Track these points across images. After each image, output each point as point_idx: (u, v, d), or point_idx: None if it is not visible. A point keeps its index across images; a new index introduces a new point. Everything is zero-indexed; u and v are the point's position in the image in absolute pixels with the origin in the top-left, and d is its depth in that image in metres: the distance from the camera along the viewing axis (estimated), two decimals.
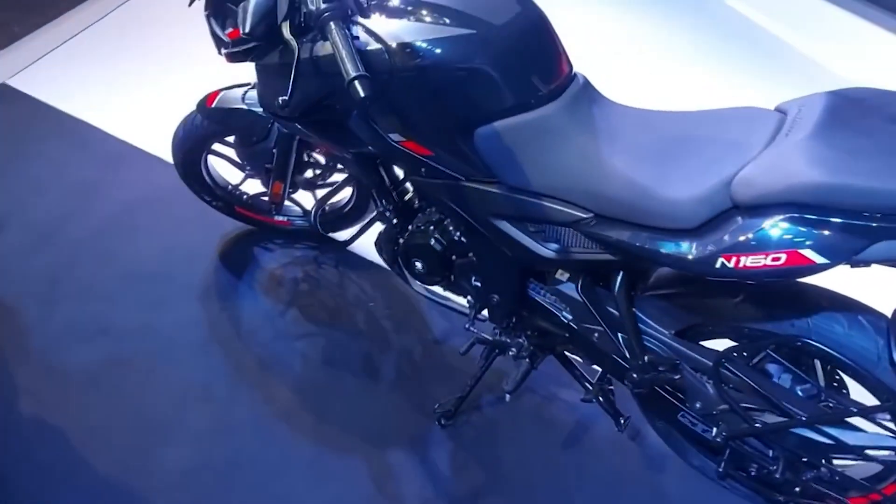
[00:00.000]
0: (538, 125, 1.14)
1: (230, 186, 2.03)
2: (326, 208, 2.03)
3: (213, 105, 1.68)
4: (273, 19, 1.15)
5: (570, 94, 1.16)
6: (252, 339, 1.87)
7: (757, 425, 1.19)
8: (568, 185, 1.15)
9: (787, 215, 0.92)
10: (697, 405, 1.26)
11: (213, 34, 1.37)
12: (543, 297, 1.38)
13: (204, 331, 1.89)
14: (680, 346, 1.24)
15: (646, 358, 1.24)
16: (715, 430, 1.24)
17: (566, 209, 1.17)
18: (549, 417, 1.70)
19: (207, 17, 1.36)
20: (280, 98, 1.13)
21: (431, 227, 1.44)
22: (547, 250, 1.24)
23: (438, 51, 1.11)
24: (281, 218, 2.11)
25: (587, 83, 1.20)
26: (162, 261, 2.07)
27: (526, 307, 1.42)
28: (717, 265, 0.98)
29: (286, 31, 1.16)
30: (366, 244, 1.97)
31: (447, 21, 1.12)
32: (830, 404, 1.16)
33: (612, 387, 1.49)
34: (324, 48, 1.17)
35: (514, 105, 1.14)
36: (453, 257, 1.45)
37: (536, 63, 1.14)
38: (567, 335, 1.38)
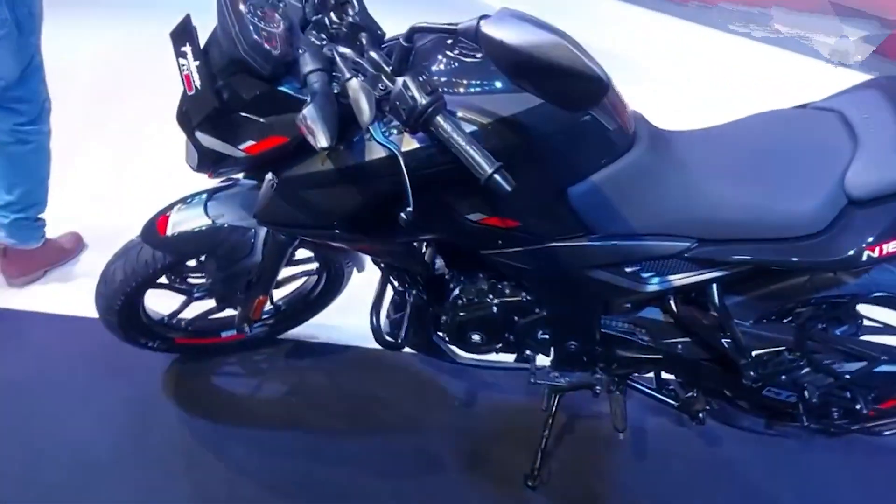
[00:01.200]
0: (630, 170, 1.13)
1: (166, 318, 1.70)
2: (282, 305, 1.81)
3: (168, 233, 1.37)
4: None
5: (643, 133, 1.17)
6: (282, 479, 1.60)
7: (844, 375, 1.35)
8: (669, 219, 1.17)
9: None
10: (784, 378, 1.38)
11: (204, 154, 1.13)
12: (618, 327, 1.39)
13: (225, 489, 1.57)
14: (764, 332, 1.34)
15: (752, 353, 1.32)
16: (806, 392, 1.37)
17: (668, 242, 1.19)
18: (622, 445, 1.71)
19: (195, 135, 1.11)
20: (405, 211, 0.97)
21: (490, 296, 1.36)
22: (648, 286, 1.25)
23: (534, 120, 1.04)
24: (228, 333, 1.82)
25: (643, 119, 1.23)
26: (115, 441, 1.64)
27: (600, 343, 1.42)
28: (864, 258, 1.08)
29: (378, 135, 0.99)
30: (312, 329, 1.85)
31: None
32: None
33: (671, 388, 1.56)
34: (408, 143, 1.04)
35: (606, 157, 1.12)
36: (516, 318, 1.39)
37: (615, 111, 1.13)
38: (648, 357, 1.41)
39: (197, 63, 1.05)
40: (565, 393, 1.53)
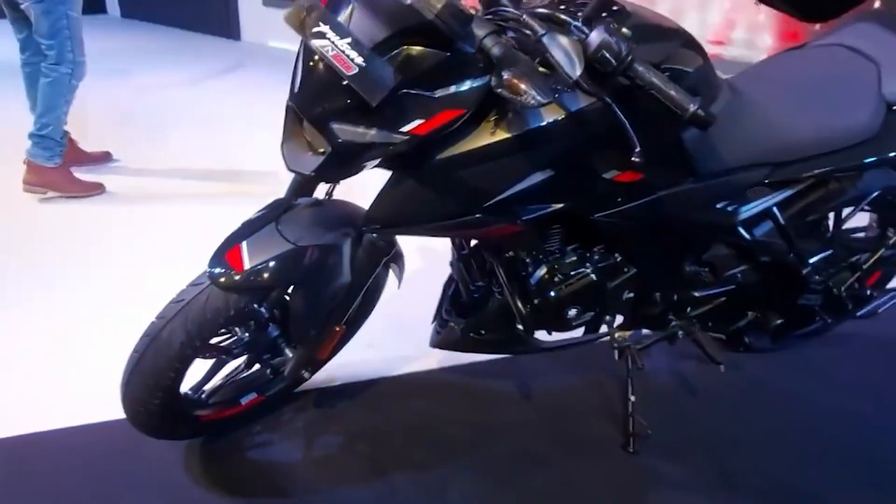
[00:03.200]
0: (728, 107, 1.24)
1: (190, 392, 1.41)
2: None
3: (246, 266, 1.15)
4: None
5: (718, 81, 1.30)
6: None
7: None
8: (754, 150, 1.30)
9: None
10: (818, 284, 1.59)
11: (338, 150, 1.00)
12: (692, 271, 1.49)
13: None
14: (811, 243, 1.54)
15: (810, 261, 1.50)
16: (834, 290, 1.60)
17: (752, 172, 1.32)
18: (705, 389, 1.77)
19: (330, 127, 0.97)
20: (635, 151, 0.96)
21: (586, 265, 1.38)
22: (734, 216, 1.37)
23: (673, 61, 1.11)
24: (248, 397, 1.56)
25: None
26: None
27: (679, 289, 1.50)
28: None
29: (586, 80, 0.96)
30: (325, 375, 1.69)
31: (661, 27, 1.12)
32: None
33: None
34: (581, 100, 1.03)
35: (712, 98, 1.22)
36: (606, 283, 1.42)
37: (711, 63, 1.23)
38: (719, 291, 1.53)
39: (347, 39, 0.92)
40: (641, 351, 1.57)
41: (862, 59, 1.38)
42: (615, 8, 1.07)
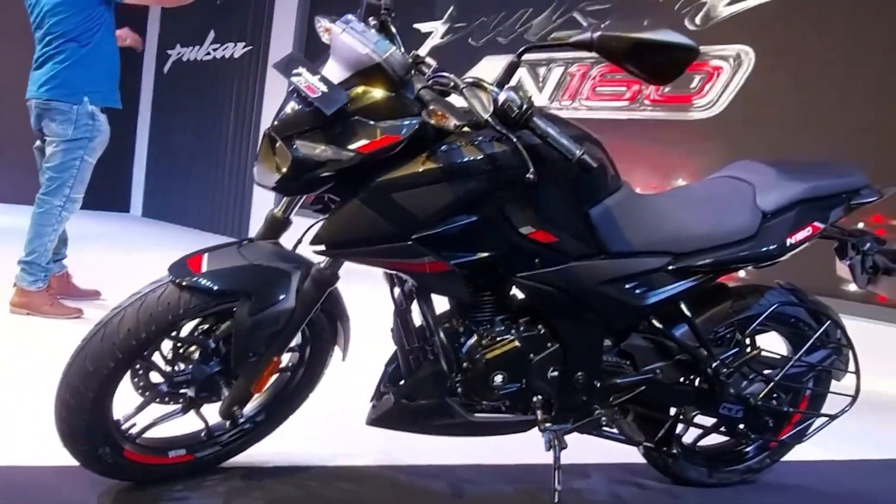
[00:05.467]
0: (626, 200, 1.51)
1: (123, 420, 1.45)
2: (256, 412, 1.65)
3: (203, 269, 1.31)
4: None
5: (619, 177, 1.58)
6: None
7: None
8: (655, 238, 1.53)
9: (799, 208, 1.59)
10: (732, 391, 1.70)
11: (297, 164, 1.24)
12: (612, 359, 1.62)
13: None
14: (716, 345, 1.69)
15: (718, 358, 1.63)
16: (751, 400, 1.69)
17: (655, 258, 1.54)
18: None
19: (293, 143, 1.23)
20: (529, 174, 1.19)
21: (511, 332, 1.52)
22: (641, 300, 1.54)
23: (579, 144, 1.39)
24: (176, 452, 1.57)
25: None
26: None
27: (600, 374, 1.61)
28: (787, 244, 1.56)
29: (496, 123, 1.23)
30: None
31: (571, 125, 1.43)
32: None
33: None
34: (495, 145, 1.30)
35: (612, 187, 1.49)
36: (531, 356, 1.54)
37: (610, 159, 1.53)
38: (637, 381, 1.63)
39: (317, 76, 1.22)
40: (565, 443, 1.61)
41: (742, 182, 1.68)
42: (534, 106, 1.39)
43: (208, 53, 7.23)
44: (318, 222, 1.42)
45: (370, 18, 1.41)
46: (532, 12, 4.85)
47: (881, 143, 3.48)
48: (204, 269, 1.33)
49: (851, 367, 1.80)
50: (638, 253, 1.53)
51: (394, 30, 1.45)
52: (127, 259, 4.84)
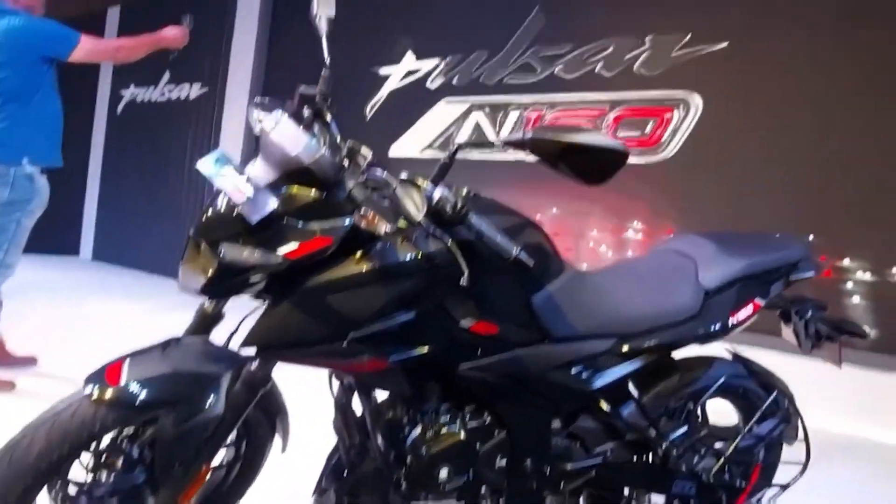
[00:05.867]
0: (570, 284, 1.49)
1: None
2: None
3: (122, 382, 1.24)
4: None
5: (562, 260, 1.57)
6: None
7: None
8: (599, 321, 1.51)
9: (740, 284, 1.59)
10: (685, 468, 1.68)
11: (224, 269, 1.19)
12: (562, 443, 1.59)
13: None
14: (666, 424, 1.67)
15: (668, 439, 1.61)
16: (703, 476, 1.67)
17: (600, 341, 1.52)
18: None
19: (219, 248, 1.18)
20: (463, 277, 1.16)
21: (456, 422, 1.47)
22: (588, 384, 1.52)
23: (516, 241, 1.37)
24: None
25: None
26: None
27: (550, 459, 1.57)
28: (730, 323, 1.54)
29: (428, 225, 1.20)
30: None
31: (510, 212, 1.41)
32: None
33: None
34: (430, 244, 1.27)
35: (554, 272, 1.47)
36: (478, 446, 1.50)
37: (552, 243, 1.51)
38: (589, 465, 1.60)
39: (244, 177, 1.18)
40: None
41: (684, 258, 1.68)
42: (472, 193, 1.37)
43: (163, 94, 7.13)
44: (252, 312, 1.37)
45: (305, 108, 1.38)
46: (488, 55, 4.91)
47: (822, 185, 3.58)
48: (123, 379, 1.24)
49: (801, 435, 1.80)
50: (583, 336, 1.50)
51: (329, 118, 1.42)
52: (73, 311, 4.67)
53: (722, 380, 1.69)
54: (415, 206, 1.16)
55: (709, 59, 3.96)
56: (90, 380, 1.25)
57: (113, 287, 6.04)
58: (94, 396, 1.23)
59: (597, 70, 4.38)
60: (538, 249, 1.40)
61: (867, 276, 3.50)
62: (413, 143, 5.25)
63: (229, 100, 6.54)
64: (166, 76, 7.07)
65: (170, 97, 7.06)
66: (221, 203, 1.23)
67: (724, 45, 3.91)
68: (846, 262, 3.53)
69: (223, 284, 1.22)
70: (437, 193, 1.21)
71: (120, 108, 7.65)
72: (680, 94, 4.06)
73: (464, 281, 1.19)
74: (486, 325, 1.39)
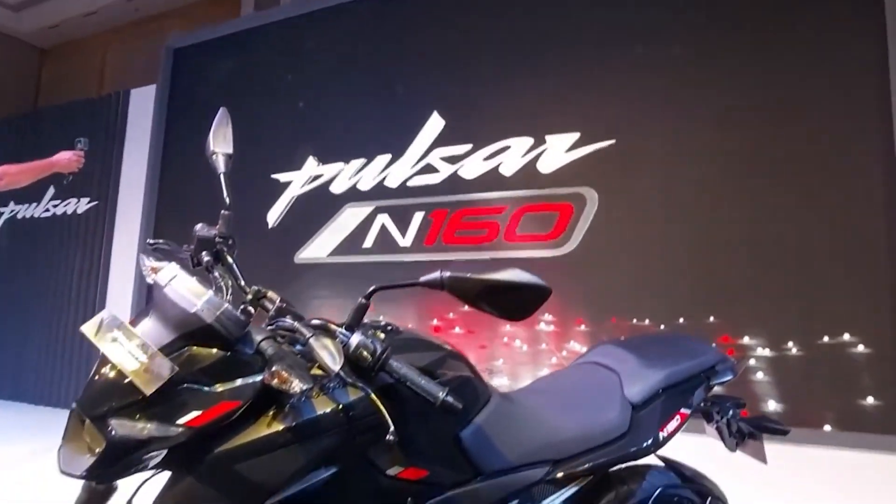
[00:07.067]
0: (498, 413, 1.43)
1: None
2: None
3: None
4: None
5: (488, 389, 1.51)
6: None
7: None
8: (531, 448, 1.45)
9: (665, 396, 1.58)
10: None
11: (114, 447, 1.05)
12: None
13: None
14: None
15: None
16: None
17: (534, 469, 1.45)
18: None
19: (108, 423, 1.04)
20: (389, 432, 1.07)
21: None
22: None
23: (439, 368, 1.31)
24: None
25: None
26: None
27: None
28: (661, 437, 1.52)
29: (347, 376, 1.11)
30: None
31: (430, 345, 1.35)
32: None
33: None
34: (349, 394, 1.17)
35: (481, 403, 1.41)
36: None
37: (475, 371, 1.46)
38: None
39: (138, 342, 1.06)
40: None
41: (607, 371, 1.67)
42: (389, 327, 1.31)
43: (47, 210, 6.71)
44: (147, 480, 1.21)
45: (203, 253, 1.29)
46: (391, 158, 4.98)
47: (717, 266, 3.79)
48: None
49: None
50: (516, 468, 1.43)
51: (231, 260, 1.33)
52: None
53: (658, 491, 1.66)
54: (331, 357, 1.08)
55: (600, 156, 4.20)
56: None
57: None
58: None
59: (498, 169, 4.53)
60: (464, 383, 1.34)
61: (766, 352, 3.67)
62: (320, 248, 5.16)
63: (122, 212, 6.24)
64: (50, 192, 6.69)
65: (55, 213, 6.65)
66: (107, 371, 1.09)
67: (612, 141, 4.17)
68: (745, 339, 3.70)
69: (114, 466, 1.07)
70: (355, 340, 1.14)
71: None
72: (577, 190, 4.25)
73: (390, 436, 1.10)
74: (415, 470, 1.29)
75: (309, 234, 5.20)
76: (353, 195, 5.10)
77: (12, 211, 6.98)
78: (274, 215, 5.42)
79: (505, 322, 4.32)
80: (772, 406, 3.62)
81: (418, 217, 4.81)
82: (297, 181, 5.37)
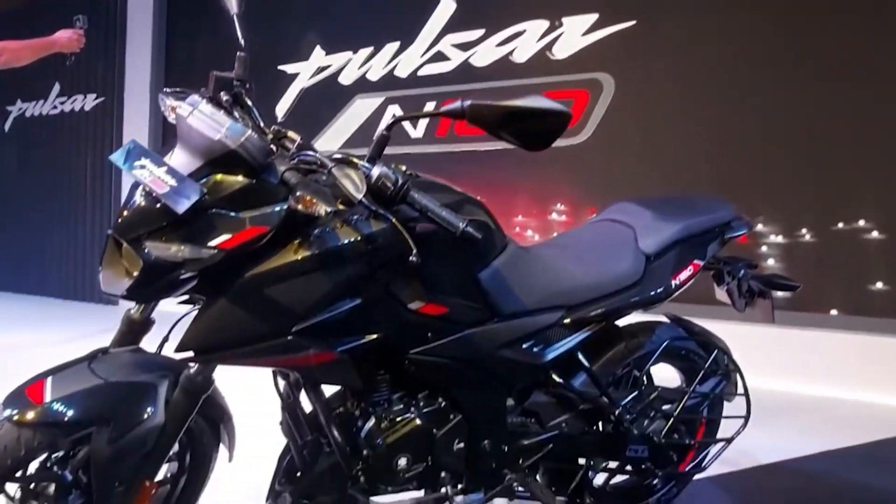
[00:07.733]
0: (514, 258, 1.46)
1: None
2: None
3: (46, 399, 1.11)
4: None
5: (504, 236, 1.54)
6: None
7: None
8: (547, 293, 1.49)
9: (679, 248, 1.61)
10: (636, 432, 1.69)
11: (150, 268, 1.09)
12: (517, 420, 1.56)
13: None
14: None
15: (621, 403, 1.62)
16: (654, 438, 1.69)
17: (548, 314, 1.50)
18: None
19: (143, 245, 1.08)
20: (412, 255, 1.10)
21: (411, 410, 1.42)
22: (540, 357, 1.50)
23: (461, 215, 1.33)
24: None
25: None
26: None
27: (507, 438, 1.54)
28: (673, 286, 1.56)
29: (370, 202, 1.13)
30: None
31: (450, 189, 1.37)
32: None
33: None
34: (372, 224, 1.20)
35: (499, 247, 1.44)
36: (435, 431, 1.45)
37: (495, 219, 1.48)
38: (545, 439, 1.58)
39: (164, 168, 1.08)
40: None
41: (622, 226, 1.70)
42: (410, 173, 1.31)
43: (55, 107, 6.64)
44: (185, 316, 1.27)
45: (221, 93, 1.28)
46: (400, 46, 4.85)
47: (736, 158, 3.75)
48: (47, 397, 1.13)
49: (741, 389, 1.86)
50: (532, 311, 1.48)
51: (249, 103, 1.33)
52: None
53: (665, 343, 1.72)
54: (353, 186, 1.10)
55: (619, 39, 4.06)
56: (9, 401, 1.12)
57: (18, 317, 5.59)
58: (16, 418, 1.11)
59: (511, 56, 4.40)
60: (482, 225, 1.36)
61: (780, 239, 3.69)
62: (330, 141, 5.12)
63: (129, 109, 6.17)
64: (56, 88, 6.60)
65: (62, 109, 6.59)
66: (140, 197, 1.12)
67: (633, 22, 4.01)
68: (759, 226, 3.71)
69: (151, 286, 1.11)
70: (377, 171, 1.15)
71: (7, 125, 7.08)
72: (593, 76, 4.15)
73: (413, 258, 1.14)
74: (435, 306, 1.34)
75: (319, 126, 5.14)
76: (363, 86, 5.00)
77: (20, 109, 6.92)
78: (283, 108, 5.35)
79: (517, 212, 4.35)
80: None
81: (430, 107, 4.73)
82: (305, 72, 5.25)
